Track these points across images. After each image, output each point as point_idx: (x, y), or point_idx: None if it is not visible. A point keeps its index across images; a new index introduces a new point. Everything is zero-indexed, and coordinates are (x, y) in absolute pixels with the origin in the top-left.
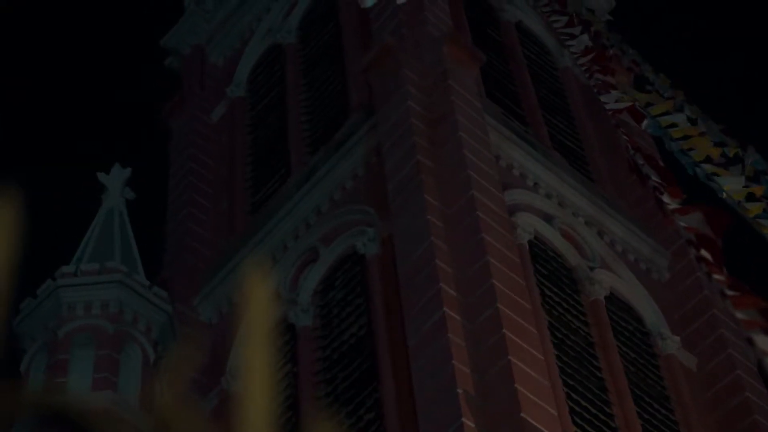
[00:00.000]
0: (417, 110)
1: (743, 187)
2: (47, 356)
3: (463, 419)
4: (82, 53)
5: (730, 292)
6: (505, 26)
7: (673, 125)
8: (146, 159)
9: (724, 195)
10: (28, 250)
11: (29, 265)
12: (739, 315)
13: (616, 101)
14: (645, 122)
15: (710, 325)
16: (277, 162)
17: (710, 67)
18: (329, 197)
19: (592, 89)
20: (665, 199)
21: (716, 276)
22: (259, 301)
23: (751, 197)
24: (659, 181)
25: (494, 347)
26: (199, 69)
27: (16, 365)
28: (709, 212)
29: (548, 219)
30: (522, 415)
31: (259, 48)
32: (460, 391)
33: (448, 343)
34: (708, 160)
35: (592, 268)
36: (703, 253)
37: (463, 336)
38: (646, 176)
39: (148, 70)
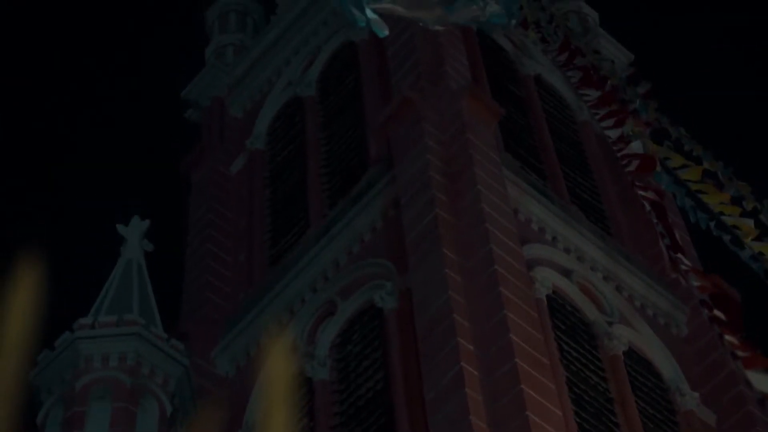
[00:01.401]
0: (436, 163)
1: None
2: (64, 409)
3: None
4: (103, 104)
5: (741, 354)
6: (524, 80)
7: (690, 180)
8: (165, 211)
9: (745, 248)
10: (47, 302)
11: (47, 316)
12: (750, 376)
13: (630, 153)
14: (657, 174)
15: (730, 381)
16: (295, 214)
17: (731, 120)
18: (347, 250)
19: (609, 143)
20: (679, 258)
21: (728, 337)
22: (276, 355)
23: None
24: (673, 241)
25: (512, 402)
26: (218, 121)
27: (32, 418)
28: (720, 283)
29: (566, 273)
30: None
31: (278, 101)
32: None
33: (465, 398)
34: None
35: (610, 323)
36: (717, 313)
37: (480, 391)
38: (660, 234)
39: (168, 122)
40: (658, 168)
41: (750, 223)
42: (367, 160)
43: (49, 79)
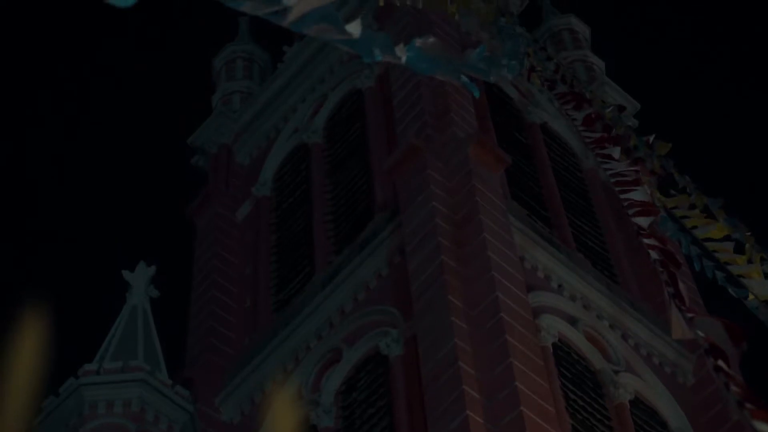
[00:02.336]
0: (442, 211)
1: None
2: None
3: None
4: (110, 150)
5: (748, 405)
6: (531, 128)
7: (695, 227)
8: (171, 257)
9: (750, 298)
10: (52, 347)
11: (53, 362)
12: (757, 427)
13: (636, 200)
14: (662, 221)
15: (736, 431)
16: (301, 261)
17: (739, 168)
18: (353, 297)
19: (615, 191)
20: (683, 306)
21: (734, 387)
22: (281, 402)
23: None
24: (677, 289)
25: None
26: (225, 168)
27: None
28: (727, 324)
29: (573, 321)
30: None
31: (285, 147)
32: None
33: None
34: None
35: (616, 372)
36: (720, 363)
37: None
38: (665, 283)
39: (175, 168)
40: (661, 212)
41: (755, 271)
42: (373, 207)
43: (55, 125)
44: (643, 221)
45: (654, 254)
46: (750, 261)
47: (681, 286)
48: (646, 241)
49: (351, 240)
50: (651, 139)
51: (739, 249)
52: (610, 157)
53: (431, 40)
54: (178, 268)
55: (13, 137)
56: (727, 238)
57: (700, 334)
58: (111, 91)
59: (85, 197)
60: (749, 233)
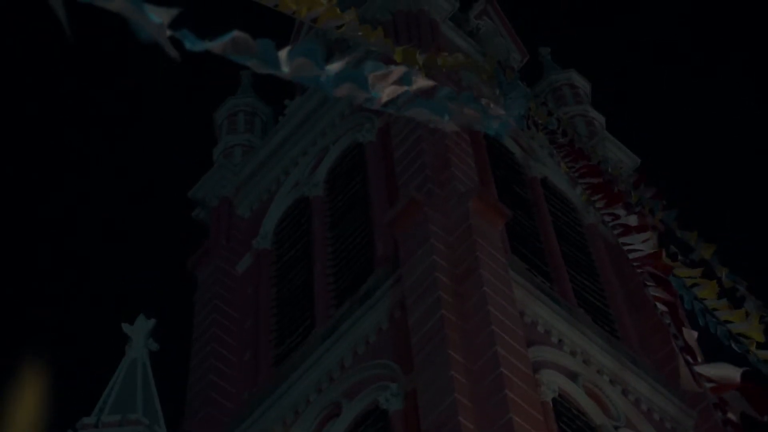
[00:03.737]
0: (442, 265)
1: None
2: None
3: None
4: (110, 203)
5: None
6: (531, 182)
7: (695, 284)
8: (171, 310)
9: (755, 358)
10: (51, 400)
11: (52, 415)
12: None
13: (640, 255)
14: (671, 279)
15: None
16: (301, 314)
17: (741, 223)
18: (353, 351)
19: (617, 246)
20: (691, 360)
21: None
22: None
23: None
24: (685, 341)
25: None
26: (225, 221)
27: None
28: (752, 390)
29: (573, 377)
30: None
31: (286, 201)
32: None
33: None
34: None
35: (617, 427)
36: (730, 416)
37: None
38: (673, 336)
39: (176, 221)
40: (664, 258)
41: (757, 329)
42: (374, 261)
43: (57, 176)
44: (649, 274)
45: (660, 306)
46: (748, 315)
47: (687, 336)
48: (653, 293)
49: (351, 293)
50: (650, 193)
51: (739, 304)
52: (612, 212)
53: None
54: (177, 321)
55: (14, 187)
56: (725, 293)
57: (708, 386)
58: (113, 142)
59: (86, 249)
60: (747, 286)
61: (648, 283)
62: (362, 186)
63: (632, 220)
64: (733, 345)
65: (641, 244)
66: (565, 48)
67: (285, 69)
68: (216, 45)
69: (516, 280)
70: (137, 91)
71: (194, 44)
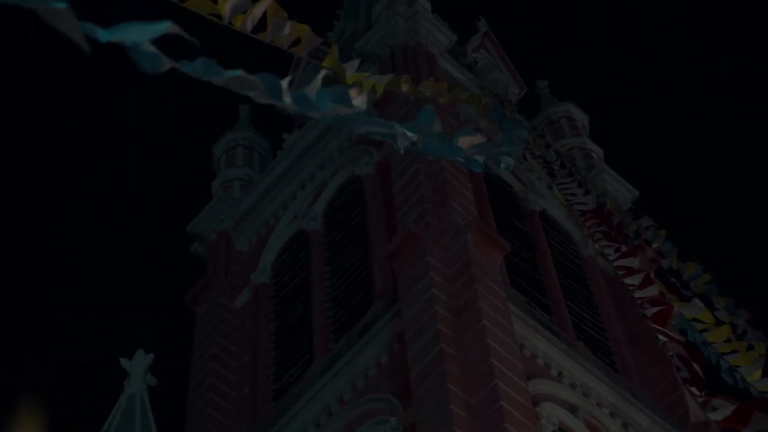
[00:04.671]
0: (441, 298)
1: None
2: None
3: None
4: (108, 236)
5: None
6: (530, 215)
7: (696, 320)
8: (170, 345)
9: (753, 390)
10: None
11: None
12: None
13: (645, 296)
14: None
15: None
16: (300, 348)
17: (739, 253)
18: (352, 385)
19: (616, 278)
20: (695, 391)
21: None
22: None
23: None
24: (689, 375)
25: None
26: (224, 255)
27: None
28: (740, 407)
29: (573, 409)
30: None
31: (284, 235)
32: None
33: None
34: (732, 351)
35: None
36: None
37: None
38: (676, 368)
39: (174, 255)
40: (675, 312)
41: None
42: (373, 295)
43: (54, 210)
44: (653, 319)
45: (662, 338)
46: (750, 347)
47: (695, 366)
48: (654, 325)
49: (350, 327)
50: (647, 224)
51: (740, 336)
52: (610, 244)
53: (437, 124)
54: (176, 356)
55: (11, 221)
56: (708, 305)
57: (713, 418)
58: (111, 177)
59: (84, 284)
60: (749, 318)
61: (647, 315)
62: (361, 219)
63: (632, 262)
64: (736, 376)
65: (638, 277)
66: (562, 81)
67: (287, 100)
68: (223, 78)
69: (515, 313)
70: (136, 126)
71: (197, 73)
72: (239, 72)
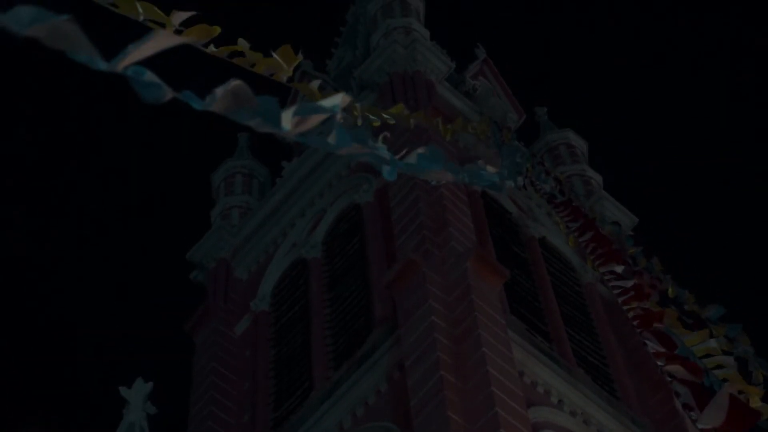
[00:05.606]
0: (440, 325)
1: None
2: None
3: None
4: (107, 265)
5: None
6: (529, 242)
7: (705, 353)
8: (169, 373)
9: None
10: None
11: None
12: None
13: (640, 312)
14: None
15: None
16: (300, 376)
17: (739, 277)
18: (352, 413)
19: (615, 305)
20: (695, 416)
21: None
22: None
23: None
24: (690, 401)
25: None
26: (223, 283)
27: None
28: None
29: None
30: None
31: (283, 262)
32: None
33: None
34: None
35: None
36: None
37: None
38: (675, 393)
39: (173, 283)
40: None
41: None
42: (372, 322)
43: (55, 242)
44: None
45: (660, 362)
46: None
47: (696, 392)
48: (651, 348)
49: (350, 355)
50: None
51: (741, 364)
52: (610, 271)
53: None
54: (175, 384)
55: (12, 253)
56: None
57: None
58: (111, 205)
59: (83, 312)
60: (749, 346)
61: (648, 342)
62: (360, 247)
63: (629, 282)
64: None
65: (640, 304)
66: (561, 107)
67: (286, 126)
68: (218, 102)
69: (515, 341)
70: (136, 155)
71: (200, 104)
72: (232, 82)
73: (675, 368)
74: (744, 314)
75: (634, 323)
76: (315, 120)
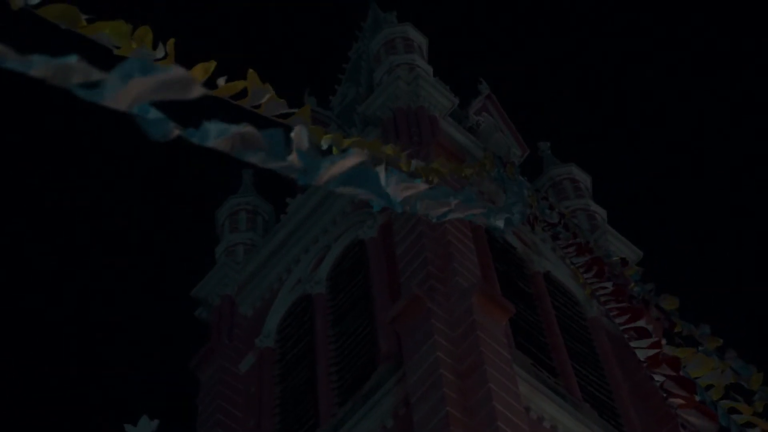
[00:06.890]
0: (446, 361)
1: None
2: None
3: None
4: (112, 302)
5: None
6: (534, 277)
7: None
8: (174, 410)
9: None
10: None
11: None
12: None
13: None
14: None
15: None
16: (305, 413)
17: (748, 313)
18: None
19: (620, 339)
20: None
21: None
22: None
23: None
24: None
25: None
26: (228, 319)
27: None
28: None
29: None
30: None
31: (288, 299)
32: None
33: None
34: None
35: None
36: None
37: None
38: (681, 426)
39: (178, 320)
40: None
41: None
42: (377, 358)
43: (58, 277)
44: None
45: (663, 392)
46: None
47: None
48: (665, 386)
49: (355, 391)
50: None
51: (747, 395)
52: (616, 306)
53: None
54: (181, 422)
55: (17, 289)
56: (735, 385)
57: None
58: (115, 243)
59: (89, 349)
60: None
61: (656, 379)
62: (364, 283)
63: (636, 316)
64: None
65: (645, 341)
66: (564, 142)
67: (292, 161)
68: (224, 140)
69: (521, 376)
70: (140, 193)
71: (203, 139)
72: (243, 126)
73: (690, 412)
74: (750, 343)
75: (644, 364)
76: (345, 165)
